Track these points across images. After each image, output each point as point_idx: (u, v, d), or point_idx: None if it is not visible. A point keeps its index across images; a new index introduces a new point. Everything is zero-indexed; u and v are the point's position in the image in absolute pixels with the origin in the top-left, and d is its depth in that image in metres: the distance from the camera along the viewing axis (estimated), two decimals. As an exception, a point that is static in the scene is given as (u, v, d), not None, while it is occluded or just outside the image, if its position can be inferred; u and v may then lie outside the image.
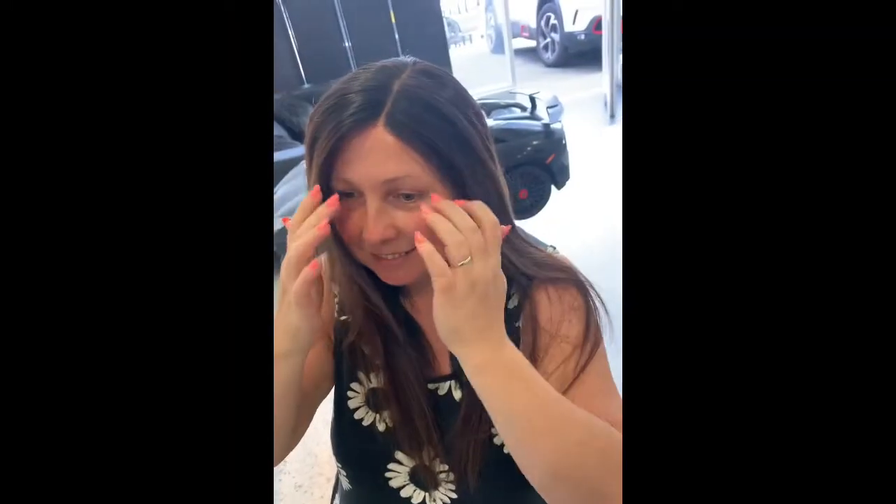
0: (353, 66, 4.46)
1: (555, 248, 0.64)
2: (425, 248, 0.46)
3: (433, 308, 0.48)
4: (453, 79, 0.53)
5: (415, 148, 0.47)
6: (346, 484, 0.67)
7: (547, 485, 0.48)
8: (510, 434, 0.48)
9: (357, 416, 0.62)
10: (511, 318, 0.58)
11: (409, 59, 0.53)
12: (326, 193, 0.53)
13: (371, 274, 0.58)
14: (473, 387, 0.49)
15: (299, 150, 3.15)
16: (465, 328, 0.47)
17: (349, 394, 0.63)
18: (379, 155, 0.47)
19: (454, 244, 0.46)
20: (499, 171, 0.56)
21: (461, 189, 0.52)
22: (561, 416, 0.48)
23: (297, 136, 3.75)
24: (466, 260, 0.46)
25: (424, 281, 0.59)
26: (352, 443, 0.63)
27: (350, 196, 0.51)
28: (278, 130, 3.54)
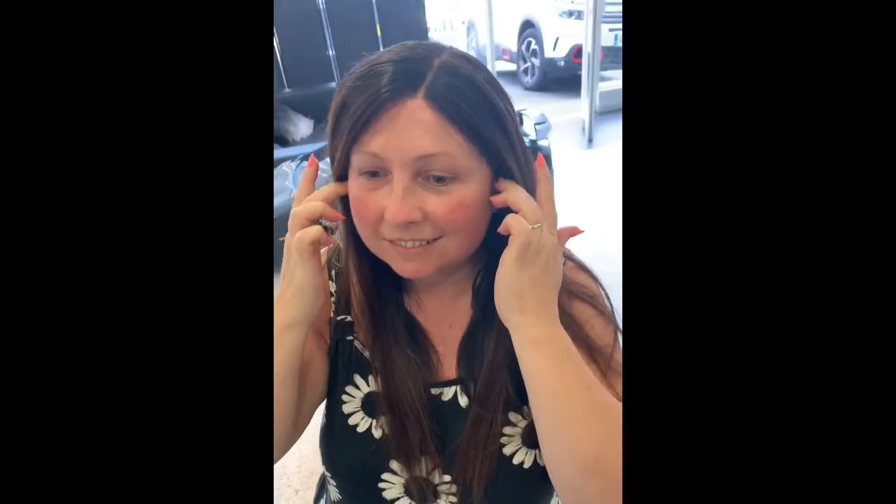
0: (335, 73, 4.44)
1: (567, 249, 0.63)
2: (514, 195, 0.48)
3: (499, 271, 0.48)
4: (482, 65, 0.51)
5: (454, 124, 0.45)
6: (335, 494, 0.63)
7: (578, 476, 0.45)
8: (553, 416, 0.46)
9: (351, 421, 0.58)
10: None
11: (444, 44, 0.51)
12: (346, 170, 0.50)
13: (376, 270, 0.56)
14: (523, 361, 0.48)
15: (279, 151, 3.09)
16: (528, 294, 0.47)
17: (344, 398, 0.59)
18: (415, 128, 0.44)
19: (530, 208, 0.47)
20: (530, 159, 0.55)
21: (500, 172, 0.50)
22: (607, 406, 0.46)
23: (276, 139, 3.69)
24: (537, 224, 0.47)
25: (434, 280, 0.57)
26: (344, 451, 0.59)
27: (374, 175, 0.48)
28: (257, 132, 3.47)
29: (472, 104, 0.46)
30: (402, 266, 0.51)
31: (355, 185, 0.49)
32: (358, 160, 0.48)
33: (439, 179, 0.47)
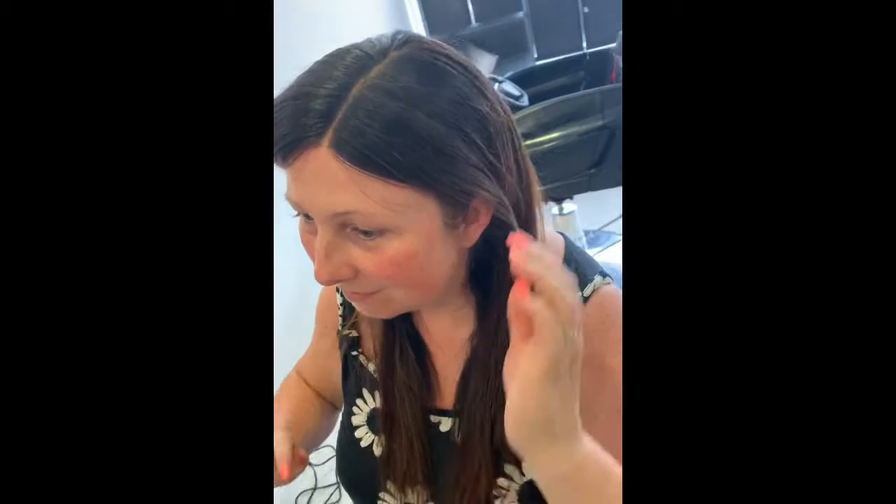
0: (523, 5, 4.20)
1: (607, 279, 0.50)
2: (537, 307, 0.35)
3: (518, 392, 0.37)
4: (457, 68, 0.40)
5: (370, 176, 0.37)
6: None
7: None
8: None
9: (357, 434, 0.58)
10: None
11: (398, 35, 0.40)
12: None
13: None
14: (551, 497, 0.39)
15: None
16: (559, 417, 0.37)
17: (354, 410, 0.59)
18: (324, 182, 0.38)
19: (566, 308, 0.35)
20: (526, 183, 0.45)
21: (458, 205, 0.41)
22: None
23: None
24: (573, 330, 0.36)
25: (430, 306, 0.52)
26: (349, 462, 0.59)
27: (308, 217, 0.42)
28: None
29: (390, 152, 0.36)
30: (359, 307, 0.47)
31: (299, 222, 0.45)
32: (289, 202, 0.43)
33: (367, 233, 0.39)
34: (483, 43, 3.91)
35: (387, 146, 0.36)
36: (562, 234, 0.54)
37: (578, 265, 0.50)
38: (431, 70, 0.39)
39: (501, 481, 0.50)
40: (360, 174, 0.37)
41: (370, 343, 0.57)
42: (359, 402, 0.58)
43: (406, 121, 0.36)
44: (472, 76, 0.40)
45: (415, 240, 0.40)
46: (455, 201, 0.40)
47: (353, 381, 0.59)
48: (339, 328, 0.60)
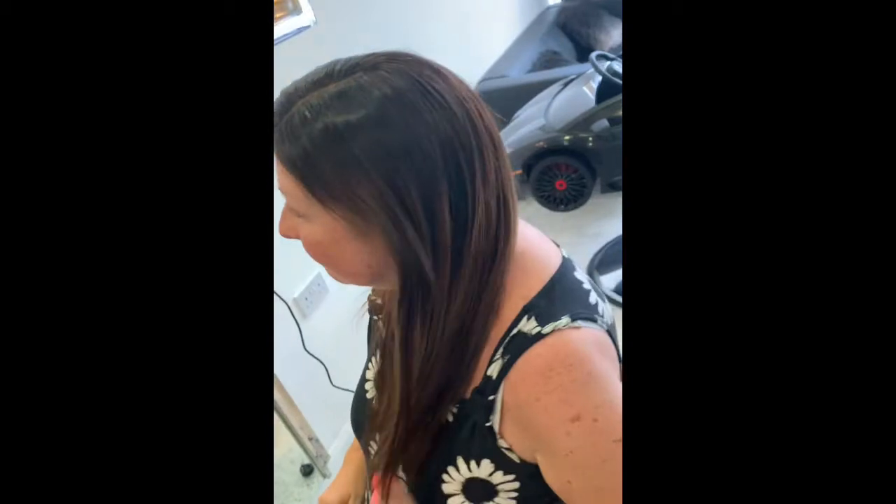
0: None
1: (577, 322, 0.47)
2: None
3: None
4: (408, 111, 0.42)
5: (284, 171, 0.46)
6: None
7: None
8: None
9: (367, 387, 0.66)
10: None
11: (378, 58, 0.45)
12: None
13: None
14: None
15: (573, 68, 2.92)
16: None
17: (369, 365, 0.67)
18: (276, 166, 0.47)
19: None
20: (486, 226, 0.46)
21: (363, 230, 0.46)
22: None
23: (583, 50, 3.46)
24: None
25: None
26: (355, 408, 0.68)
27: None
28: (558, 45, 3.30)
29: (292, 157, 0.44)
30: None
31: None
32: None
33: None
34: (617, 10, 3.63)
35: (288, 154, 0.44)
36: (568, 259, 0.55)
37: (552, 301, 0.49)
38: (372, 106, 0.42)
39: (451, 469, 0.53)
40: (280, 166, 0.46)
41: (384, 310, 0.63)
42: (373, 359, 0.66)
43: (309, 142, 0.43)
44: (426, 121, 0.42)
45: (318, 231, 0.48)
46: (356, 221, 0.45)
47: (371, 340, 0.68)
48: (370, 293, 0.68)
